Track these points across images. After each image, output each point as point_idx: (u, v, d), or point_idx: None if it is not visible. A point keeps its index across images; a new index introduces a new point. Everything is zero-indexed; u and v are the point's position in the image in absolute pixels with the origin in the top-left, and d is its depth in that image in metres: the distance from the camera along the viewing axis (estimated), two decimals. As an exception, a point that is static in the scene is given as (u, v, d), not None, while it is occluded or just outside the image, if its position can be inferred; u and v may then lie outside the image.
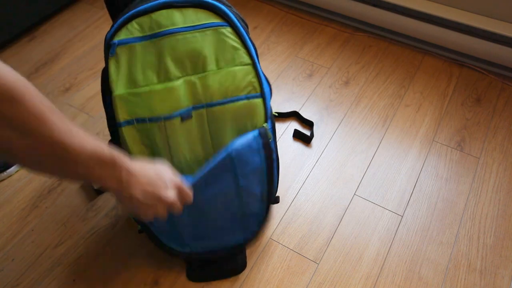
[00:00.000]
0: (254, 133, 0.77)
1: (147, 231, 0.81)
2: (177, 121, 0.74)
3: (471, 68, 1.29)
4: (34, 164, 0.48)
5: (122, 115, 0.73)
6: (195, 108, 0.75)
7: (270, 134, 0.78)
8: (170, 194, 0.62)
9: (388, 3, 1.31)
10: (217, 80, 0.75)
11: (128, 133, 0.74)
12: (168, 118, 0.74)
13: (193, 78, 0.74)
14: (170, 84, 0.73)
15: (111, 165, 0.54)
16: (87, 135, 0.51)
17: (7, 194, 1.01)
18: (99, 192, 1.00)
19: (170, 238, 0.82)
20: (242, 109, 0.77)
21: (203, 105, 0.76)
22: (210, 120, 0.77)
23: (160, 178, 0.61)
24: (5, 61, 1.31)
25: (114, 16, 0.86)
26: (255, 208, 0.85)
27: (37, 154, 0.46)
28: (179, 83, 0.74)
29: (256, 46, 1.35)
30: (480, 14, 1.24)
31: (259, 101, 0.77)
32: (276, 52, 1.35)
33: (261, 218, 0.87)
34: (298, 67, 1.30)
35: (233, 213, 0.82)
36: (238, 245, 0.87)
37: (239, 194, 0.80)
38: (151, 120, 0.73)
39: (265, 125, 0.78)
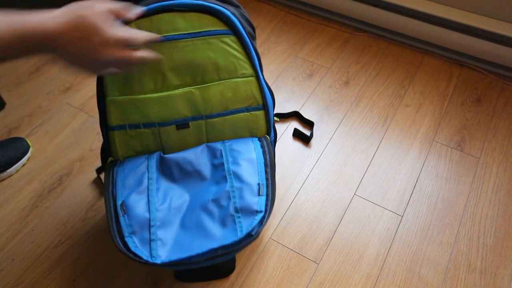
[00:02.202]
0: (253, 138, 0.76)
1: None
2: (172, 128, 0.74)
3: (471, 68, 1.29)
4: None
5: (114, 119, 0.72)
6: (193, 119, 0.74)
7: (270, 145, 0.76)
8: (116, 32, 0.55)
9: (388, 3, 1.31)
10: (217, 92, 0.73)
11: (118, 137, 0.73)
12: (162, 125, 0.73)
13: (193, 89, 0.73)
14: (167, 93, 0.72)
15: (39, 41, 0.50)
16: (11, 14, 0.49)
17: (7, 194, 1.01)
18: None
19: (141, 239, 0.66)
20: (242, 121, 0.75)
21: (202, 116, 0.74)
22: (209, 131, 0.75)
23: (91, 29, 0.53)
24: (5, 61, 1.32)
25: None
26: (250, 203, 0.70)
27: None
28: (176, 93, 0.72)
29: (256, 46, 1.35)
30: (480, 14, 1.24)
31: (260, 113, 0.76)
32: (276, 52, 1.35)
33: (260, 217, 0.69)
34: (298, 67, 1.30)
35: (222, 205, 0.70)
36: (224, 247, 0.67)
37: (229, 179, 0.71)
38: (145, 125, 0.73)
39: (267, 136, 0.77)
